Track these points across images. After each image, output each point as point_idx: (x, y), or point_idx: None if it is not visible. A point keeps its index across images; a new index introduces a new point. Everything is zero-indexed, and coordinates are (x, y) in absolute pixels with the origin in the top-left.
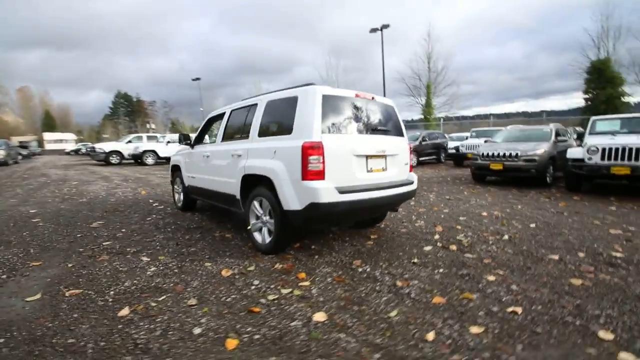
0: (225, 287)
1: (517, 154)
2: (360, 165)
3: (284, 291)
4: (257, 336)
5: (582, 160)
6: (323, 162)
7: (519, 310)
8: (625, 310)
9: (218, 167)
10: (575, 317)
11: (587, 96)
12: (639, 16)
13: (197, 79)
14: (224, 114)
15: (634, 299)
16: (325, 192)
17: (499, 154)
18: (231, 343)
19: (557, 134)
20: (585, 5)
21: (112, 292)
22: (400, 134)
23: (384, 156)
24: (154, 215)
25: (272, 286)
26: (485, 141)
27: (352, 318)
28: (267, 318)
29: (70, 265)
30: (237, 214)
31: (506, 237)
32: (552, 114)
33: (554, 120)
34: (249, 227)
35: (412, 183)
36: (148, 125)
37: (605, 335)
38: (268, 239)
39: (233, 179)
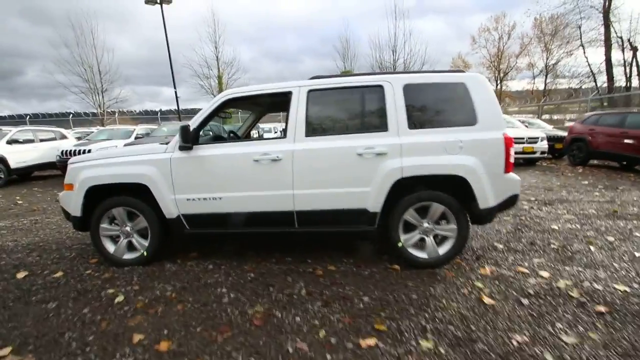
0: (515, 305)
1: None
2: None
3: (561, 285)
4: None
5: None
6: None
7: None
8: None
9: (317, 174)
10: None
11: None
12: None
13: None
14: (286, 94)
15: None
16: (520, 182)
17: None
18: None
19: None
20: (290, 27)
21: None
22: None
23: None
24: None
25: (544, 286)
26: None
27: None
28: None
29: None
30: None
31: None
32: None
33: None
34: (399, 244)
35: None
36: None
37: None
38: (442, 250)
39: (366, 186)
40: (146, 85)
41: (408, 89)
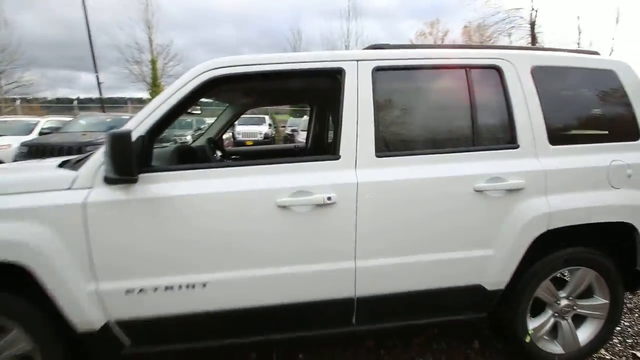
0: None
1: None
2: None
3: None
4: None
5: None
6: None
7: None
8: None
9: (400, 229)
10: None
11: None
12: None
13: None
14: (332, 74)
15: None
16: None
17: None
18: None
19: None
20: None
21: None
22: None
23: None
24: None
25: None
26: None
27: None
28: None
29: None
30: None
31: None
32: None
33: None
34: (528, 338)
35: None
36: None
37: None
38: (581, 336)
39: (486, 247)
40: (60, 69)
41: (539, 75)
